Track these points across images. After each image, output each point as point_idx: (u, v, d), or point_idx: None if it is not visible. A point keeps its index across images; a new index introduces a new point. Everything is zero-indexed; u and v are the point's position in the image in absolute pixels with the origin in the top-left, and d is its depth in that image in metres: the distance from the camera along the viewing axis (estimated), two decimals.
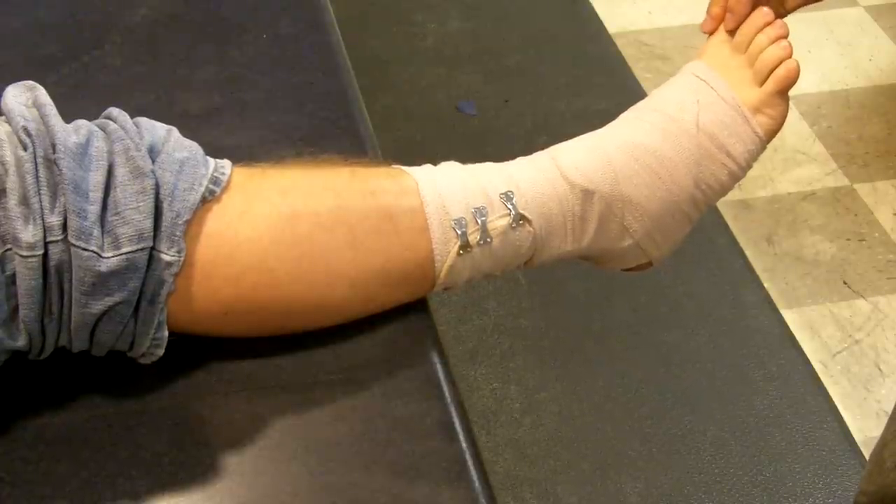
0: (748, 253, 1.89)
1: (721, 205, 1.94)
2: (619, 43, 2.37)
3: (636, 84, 2.24)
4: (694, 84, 0.86)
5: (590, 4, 2.48)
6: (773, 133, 0.87)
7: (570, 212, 0.80)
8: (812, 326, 1.78)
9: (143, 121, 0.73)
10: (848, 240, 1.94)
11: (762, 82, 0.85)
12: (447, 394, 0.75)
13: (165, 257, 0.69)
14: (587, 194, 0.81)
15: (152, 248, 0.68)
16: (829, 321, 1.79)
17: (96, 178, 0.67)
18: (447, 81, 2.24)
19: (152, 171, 0.69)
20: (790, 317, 1.79)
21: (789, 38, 0.86)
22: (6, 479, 0.69)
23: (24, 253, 0.65)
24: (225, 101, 0.97)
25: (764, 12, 0.86)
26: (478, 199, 0.77)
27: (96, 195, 0.67)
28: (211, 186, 0.71)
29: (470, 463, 0.71)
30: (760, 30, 0.86)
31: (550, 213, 0.80)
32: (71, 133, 0.69)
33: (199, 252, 0.70)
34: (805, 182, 2.05)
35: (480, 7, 2.46)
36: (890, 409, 1.06)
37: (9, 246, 0.65)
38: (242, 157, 0.76)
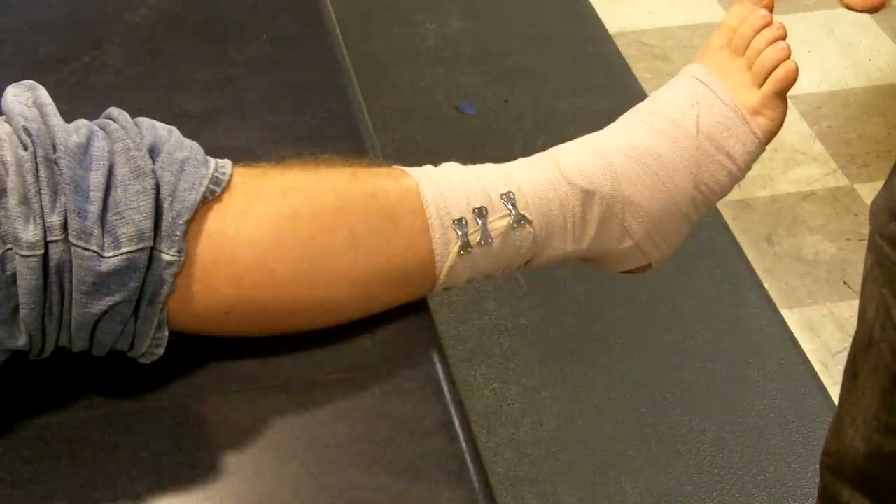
0: (748, 253, 1.90)
1: (721, 205, 1.94)
2: (620, 43, 2.37)
3: (636, 84, 2.24)
4: (693, 86, 0.86)
5: (590, 4, 2.48)
6: (772, 134, 0.87)
7: (570, 213, 0.81)
8: (812, 326, 1.78)
9: (144, 121, 0.73)
10: (848, 240, 1.94)
11: (761, 84, 0.85)
12: (447, 394, 0.75)
13: (166, 257, 0.69)
14: (588, 195, 0.81)
15: (153, 248, 0.68)
16: (829, 321, 1.79)
17: (97, 178, 0.67)
18: (447, 81, 2.24)
19: (153, 171, 0.69)
20: (790, 317, 1.79)
21: (788, 39, 0.86)
22: (6, 479, 0.69)
23: (25, 253, 0.65)
24: (225, 101, 0.97)
25: (761, 14, 0.86)
26: (478, 199, 0.77)
27: (97, 195, 0.67)
28: (212, 186, 0.71)
29: (470, 463, 0.71)
30: (758, 32, 0.86)
31: (551, 214, 0.80)
32: (71, 133, 0.69)
33: (200, 252, 0.71)
34: (805, 182, 2.06)
35: (480, 7, 2.46)
36: None
37: (9, 245, 0.65)
38: (243, 157, 0.76)
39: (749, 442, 1.58)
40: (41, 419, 0.72)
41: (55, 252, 0.66)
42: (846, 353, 1.04)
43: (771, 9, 0.87)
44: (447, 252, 0.76)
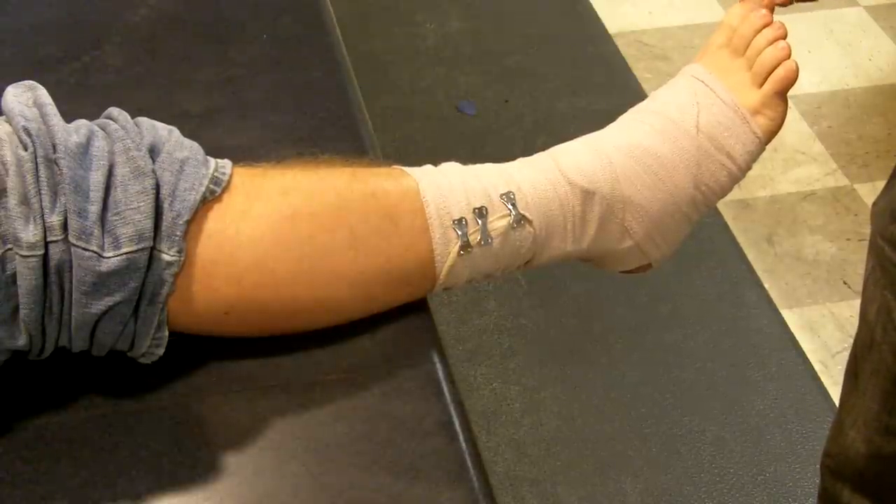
0: (748, 253, 1.90)
1: (721, 205, 1.94)
2: (620, 43, 2.37)
3: (636, 84, 2.24)
4: (693, 86, 0.86)
5: (590, 4, 2.48)
6: (772, 134, 0.87)
7: (570, 212, 0.81)
8: (812, 326, 1.78)
9: (144, 121, 0.73)
10: (848, 240, 1.94)
11: (761, 84, 0.85)
12: (447, 394, 0.75)
13: (166, 257, 0.69)
14: (588, 195, 0.81)
15: (153, 248, 0.68)
16: (829, 321, 1.79)
17: (97, 178, 0.67)
18: (447, 81, 2.24)
19: (153, 171, 0.69)
20: (790, 317, 1.79)
21: (788, 39, 0.86)
22: (6, 479, 0.69)
23: (25, 253, 0.65)
24: (225, 101, 0.97)
25: (762, 14, 0.86)
26: (478, 199, 0.77)
27: (97, 195, 0.67)
28: (212, 186, 0.71)
29: (470, 463, 0.71)
30: (758, 31, 0.86)
31: (551, 214, 0.80)
32: (71, 133, 0.69)
33: (200, 252, 0.71)
34: (805, 182, 2.06)
35: (480, 7, 2.46)
36: None
37: (9, 246, 0.65)
38: (243, 157, 0.76)
39: (749, 442, 1.58)
40: (41, 419, 0.72)
41: (55, 252, 0.66)
42: (846, 354, 1.04)
43: (772, 8, 0.87)
44: (447, 252, 0.76)
